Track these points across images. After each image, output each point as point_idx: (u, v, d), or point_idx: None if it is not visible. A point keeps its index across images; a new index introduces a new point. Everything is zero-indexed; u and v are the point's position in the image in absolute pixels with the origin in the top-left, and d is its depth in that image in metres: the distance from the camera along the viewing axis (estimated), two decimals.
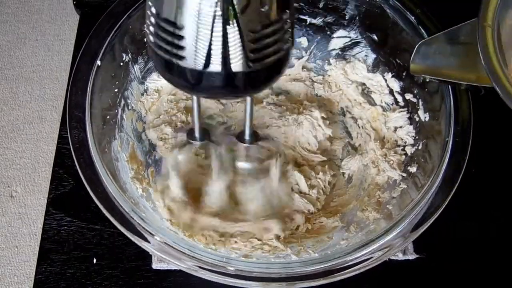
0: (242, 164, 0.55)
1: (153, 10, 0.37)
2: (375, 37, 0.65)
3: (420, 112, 0.60)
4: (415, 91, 0.61)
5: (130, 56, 0.62)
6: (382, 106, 0.65)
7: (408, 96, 0.62)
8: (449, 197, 0.51)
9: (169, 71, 0.39)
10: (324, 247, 0.55)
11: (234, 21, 0.35)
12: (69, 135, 0.54)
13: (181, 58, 0.37)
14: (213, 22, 0.35)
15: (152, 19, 0.37)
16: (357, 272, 0.48)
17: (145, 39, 0.40)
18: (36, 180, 1.05)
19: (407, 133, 0.61)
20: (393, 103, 0.64)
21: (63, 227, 0.61)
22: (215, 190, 0.57)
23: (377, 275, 0.56)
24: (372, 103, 0.66)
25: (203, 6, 0.34)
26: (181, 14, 0.35)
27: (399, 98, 0.63)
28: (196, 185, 0.57)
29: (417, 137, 0.60)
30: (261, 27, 0.36)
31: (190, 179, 0.57)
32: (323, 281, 0.48)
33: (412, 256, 0.58)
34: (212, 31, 0.35)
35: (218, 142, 0.55)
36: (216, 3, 0.34)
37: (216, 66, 0.36)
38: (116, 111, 0.60)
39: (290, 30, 0.39)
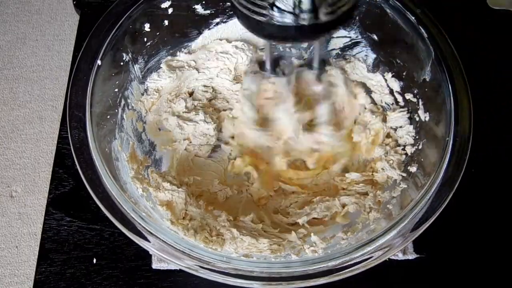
0: (313, 88, 0.62)
1: None
2: (375, 37, 0.65)
3: (420, 112, 0.60)
4: (415, 91, 0.61)
5: (130, 56, 0.62)
6: (382, 106, 0.65)
7: (408, 96, 0.62)
8: (449, 197, 0.51)
9: (257, 28, 0.46)
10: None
11: None
12: (69, 135, 0.54)
13: (272, 16, 0.43)
14: None
15: None
16: (357, 271, 0.48)
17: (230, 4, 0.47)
18: (36, 180, 1.05)
19: (407, 133, 0.61)
20: (393, 103, 0.64)
21: (63, 227, 0.61)
22: (286, 112, 0.61)
23: (377, 275, 0.56)
24: (372, 103, 0.66)
25: None
26: None
27: (399, 98, 0.64)
28: (266, 113, 0.62)
29: (417, 137, 0.60)
30: None
31: (261, 106, 0.62)
32: (323, 281, 0.48)
33: (412, 255, 0.58)
34: None
35: (289, 69, 0.61)
36: None
37: (302, 20, 0.43)
38: (116, 111, 0.60)
39: None
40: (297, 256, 0.53)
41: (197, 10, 0.65)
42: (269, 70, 0.60)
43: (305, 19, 0.43)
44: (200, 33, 0.67)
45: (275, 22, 0.43)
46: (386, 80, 0.65)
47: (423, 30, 0.59)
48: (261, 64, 0.61)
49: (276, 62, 0.61)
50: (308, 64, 0.61)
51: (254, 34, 0.48)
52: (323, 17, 0.43)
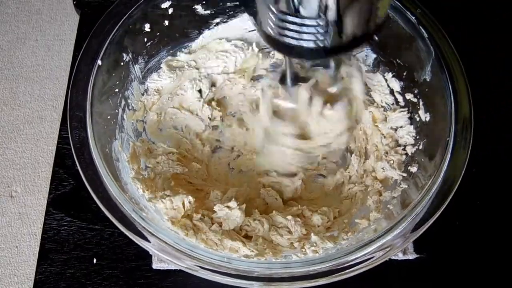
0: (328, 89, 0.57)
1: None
2: (375, 37, 0.64)
3: (421, 112, 0.60)
4: (416, 91, 0.61)
5: (130, 56, 0.62)
6: (382, 106, 0.65)
7: (409, 96, 0.62)
8: (450, 197, 0.51)
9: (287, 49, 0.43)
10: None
11: None
12: (69, 135, 0.54)
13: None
14: None
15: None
16: (358, 272, 0.48)
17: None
18: (36, 180, 1.05)
19: (407, 133, 0.61)
20: (393, 103, 0.64)
21: (63, 227, 0.61)
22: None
23: (377, 275, 0.56)
24: (372, 103, 0.66)
25: None
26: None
27: (400, 98, 0.63)
28: None
29: (417, 137, 0.60)
30: None
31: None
32: (324, 281, 0.48)
33: (412, 255, 0.58)
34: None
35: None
36: None
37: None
38: (117, 111, 0.60)
39: None
40: (298, 256, 0.53)
41: (197, 10, 0.65)
42: (290, 83, 0.56)
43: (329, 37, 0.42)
44: (200, 33, 0.67)
45: (304, 45, 0.42)
46: (386, 80, 0.64)
47: (423, 30, 0.59)
48: (282, 77, 0.57)
49: (295, 76, 0.57)
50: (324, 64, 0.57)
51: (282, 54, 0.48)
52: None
